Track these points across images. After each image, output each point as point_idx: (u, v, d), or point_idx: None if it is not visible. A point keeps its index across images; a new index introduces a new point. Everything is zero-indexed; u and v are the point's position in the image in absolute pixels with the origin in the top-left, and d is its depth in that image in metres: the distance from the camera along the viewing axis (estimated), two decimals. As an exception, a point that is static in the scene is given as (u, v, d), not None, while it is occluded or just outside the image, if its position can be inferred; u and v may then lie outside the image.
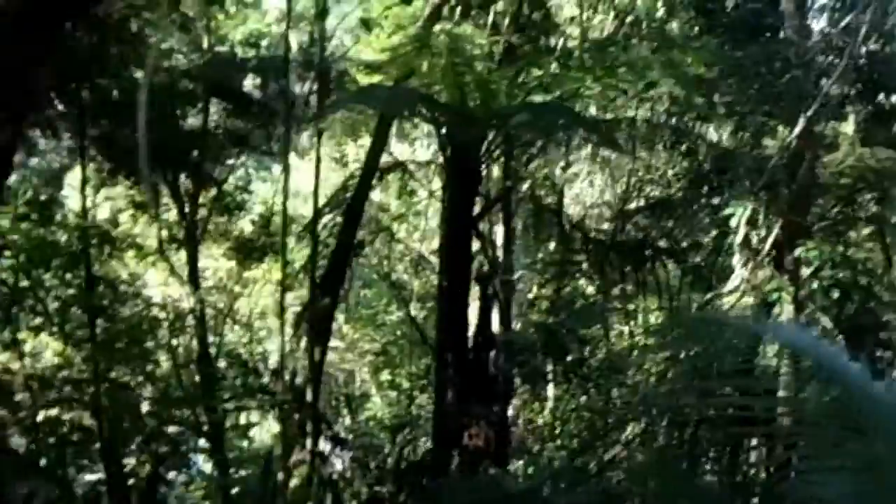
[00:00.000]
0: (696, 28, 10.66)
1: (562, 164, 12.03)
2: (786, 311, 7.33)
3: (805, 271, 7.11)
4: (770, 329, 3.01)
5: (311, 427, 7.78)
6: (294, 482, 7.44)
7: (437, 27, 8.20)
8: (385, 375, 14.69)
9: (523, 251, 13.32)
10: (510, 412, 11.56)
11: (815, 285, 7.10)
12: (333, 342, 16.51)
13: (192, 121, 9.43)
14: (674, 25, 12.13)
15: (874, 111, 9.35)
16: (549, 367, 11.04)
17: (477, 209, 9.51)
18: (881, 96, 9.25)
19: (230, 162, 11.54)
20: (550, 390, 11.89)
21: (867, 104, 9.27)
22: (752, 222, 7.05)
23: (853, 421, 2.75)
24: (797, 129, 7.34)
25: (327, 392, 16.30)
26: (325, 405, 16.28)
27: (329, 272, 8.50)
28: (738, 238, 7.08)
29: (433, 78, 7.53)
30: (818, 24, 10.56)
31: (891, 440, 2.69)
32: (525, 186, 11.54)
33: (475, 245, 10.07)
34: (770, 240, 7.31)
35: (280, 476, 7.55)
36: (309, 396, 7.96)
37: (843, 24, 7.82)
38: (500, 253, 10.89)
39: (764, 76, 7.82)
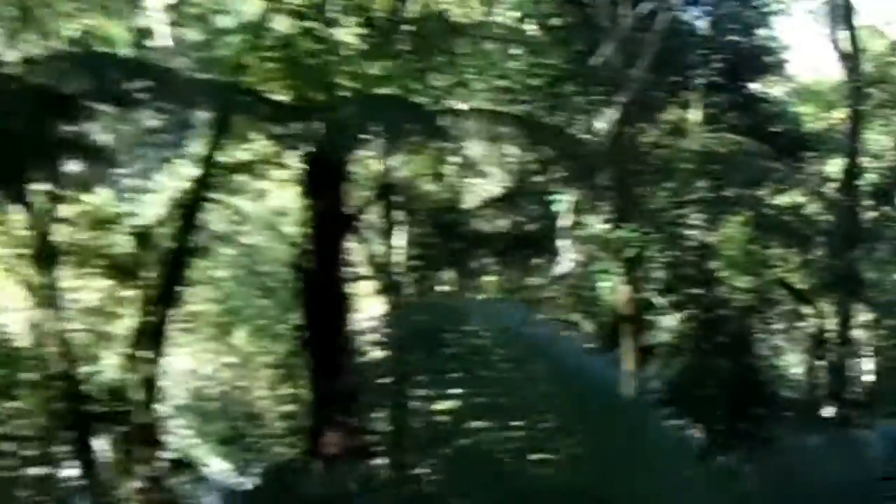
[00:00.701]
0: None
1: (458, 158, 11.84)
2: (622, 292, 7.31)
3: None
4: (478, 309, 2.95)
5: (149, 451, 7.28)
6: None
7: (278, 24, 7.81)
8: (286, 389, 14.09)
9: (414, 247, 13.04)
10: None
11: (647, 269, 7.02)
12: (228, 358, 15.92)
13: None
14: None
15: (742, 101, 9.48)
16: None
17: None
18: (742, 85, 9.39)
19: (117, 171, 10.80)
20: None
21: (731, 92, 9.39)
22: (577, 208, 6.93)
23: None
24: (612, 115, 7.29)
25: (228, 413, 15.63)
26: (227, 428, 15.61)
27: (165, 283, 7.99)
28: (562, 223, 6.95)
29: (269, 74, 7.17)
30: (688, 15, 10.73)
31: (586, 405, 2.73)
32: (413, 182, 11.28)
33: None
34: (597, 225, 7.22)
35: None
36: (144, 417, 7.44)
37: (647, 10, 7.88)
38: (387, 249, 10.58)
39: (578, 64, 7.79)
